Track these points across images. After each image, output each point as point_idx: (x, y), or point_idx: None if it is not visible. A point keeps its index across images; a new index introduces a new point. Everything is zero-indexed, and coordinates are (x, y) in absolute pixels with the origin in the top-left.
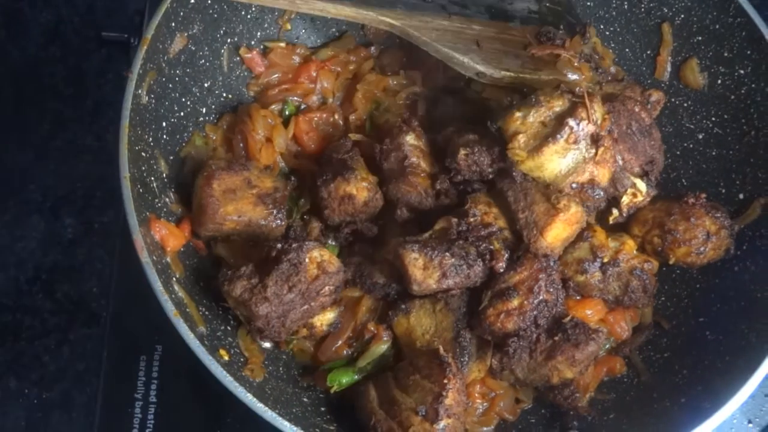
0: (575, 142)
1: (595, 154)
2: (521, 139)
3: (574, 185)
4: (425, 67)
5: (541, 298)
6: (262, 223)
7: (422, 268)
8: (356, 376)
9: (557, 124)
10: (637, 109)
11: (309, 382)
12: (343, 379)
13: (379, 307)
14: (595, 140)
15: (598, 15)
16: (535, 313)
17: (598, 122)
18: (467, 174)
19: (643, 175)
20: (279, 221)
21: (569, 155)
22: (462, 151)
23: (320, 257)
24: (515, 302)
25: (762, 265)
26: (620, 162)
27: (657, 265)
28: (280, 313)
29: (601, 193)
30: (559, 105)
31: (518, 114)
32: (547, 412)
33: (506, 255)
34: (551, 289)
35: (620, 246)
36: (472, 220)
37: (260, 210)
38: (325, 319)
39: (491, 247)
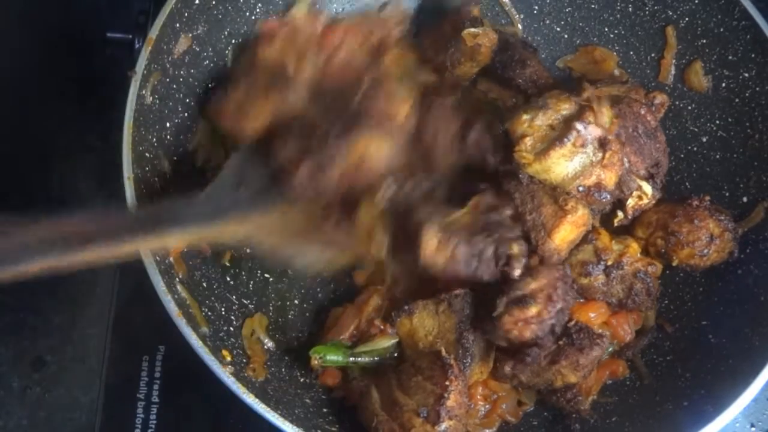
0: (583, 145)
1: (603, 157)
2: (528, 141)
3: (580, 188)
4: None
5: (559, 306)
6: None
7: (435, 248)
8: (346, 359)
9: (565, 127)
10: (642, 112)
11: (312, 379)
12: (329, 355)
13: (384, 306)
14: (602, 144)
15: (602, 18)
16: (552, 321)
17: (606, 126)
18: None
19: (649, 177)
20: None
21: (576, 158)
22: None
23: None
24: (533, 310)
25: (765, 268)
26: (626, 165)
27: (661, 267)
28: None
29: (608, 195)
30: (566, 108)
31: (525, 116)
32: (550, 414)
33: (524, 261)
34: (568, 297)
35: (624, 249)
36: (508, 213)
37: None
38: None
39: (510, 251)
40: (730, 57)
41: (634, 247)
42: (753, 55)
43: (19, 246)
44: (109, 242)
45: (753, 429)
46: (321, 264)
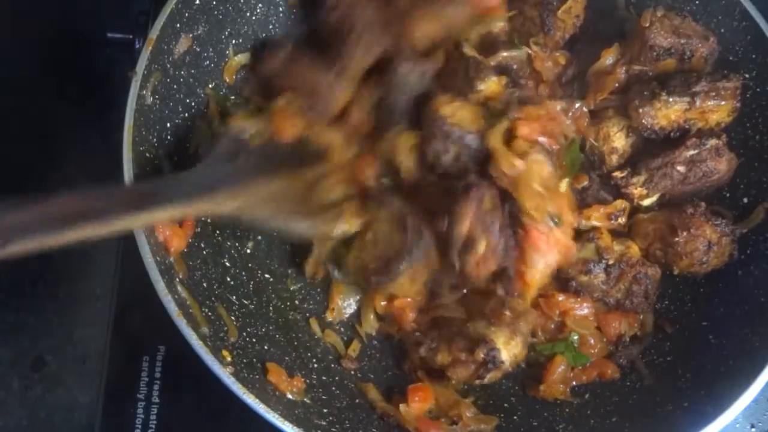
0: None
1: None
2: None
3: None
4: None
5: (496, 225)
6: None
7: None
8: None
9: None
10: None
11: (312, 380)
12: None
13: None
14: None
15: None
16: (502, 245)
17: None
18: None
19: None
20: None
21: None
22: None
23: None
24: (482, 246)
25: (765, 269)
26: None
27: (660, 272)
28: None
29: None
30: None
31: None
32: (550, 414)
33: None
34: (496, 213)
35: (625, 249)
36: None
37: None
38: None
39: None
40: (730, 58)
41: (635, 249)
42: (753, 56)
43: (12, 225)
44: (102, 219)
45: (753, 429)
46: (313, 232)
